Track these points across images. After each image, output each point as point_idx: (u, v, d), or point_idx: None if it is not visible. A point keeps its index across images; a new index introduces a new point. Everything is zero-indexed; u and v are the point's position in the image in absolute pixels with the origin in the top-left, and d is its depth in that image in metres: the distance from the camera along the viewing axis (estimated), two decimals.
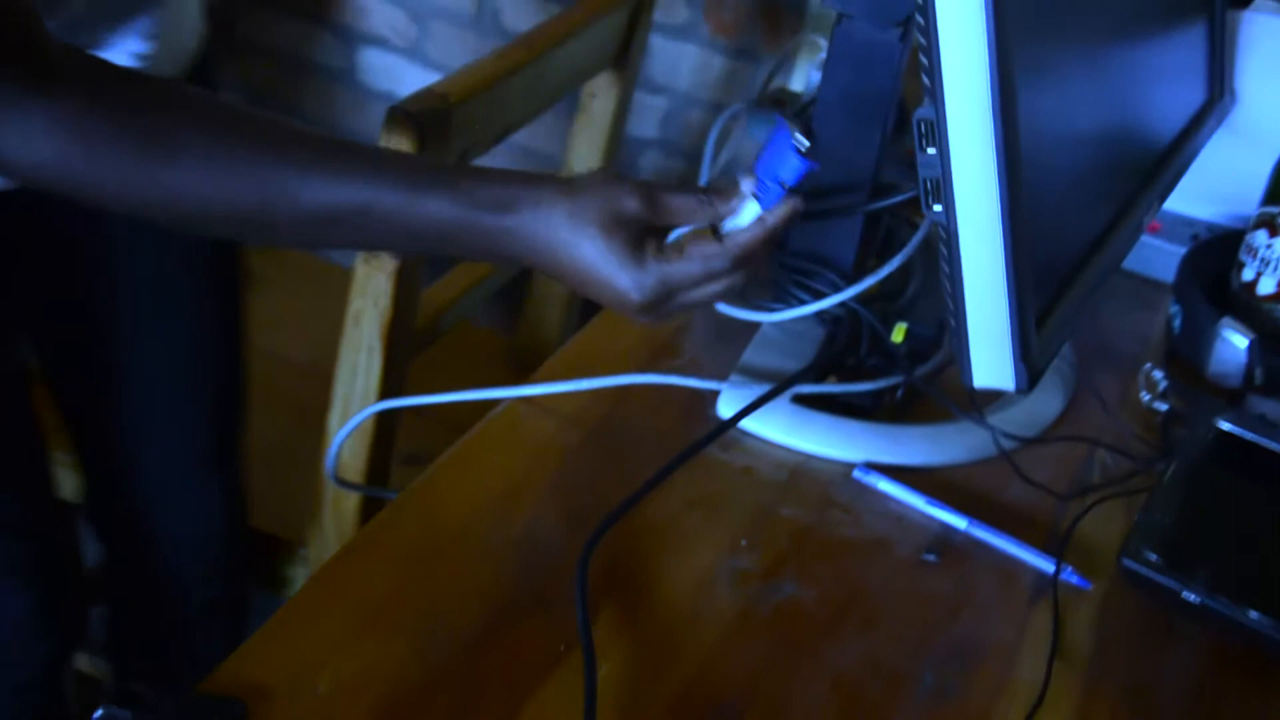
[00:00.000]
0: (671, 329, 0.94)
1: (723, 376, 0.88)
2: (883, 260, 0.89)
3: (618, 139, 1.37)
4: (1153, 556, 0.70)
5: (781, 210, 0.69)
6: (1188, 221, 1.10)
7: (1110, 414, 0.91)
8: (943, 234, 0.63)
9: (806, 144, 0.67)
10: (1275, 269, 0.96)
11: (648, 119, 1.75)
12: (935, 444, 0.86)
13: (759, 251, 0.69)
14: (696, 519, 0.79)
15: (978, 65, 0.58)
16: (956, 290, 0.64)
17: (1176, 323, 0.98)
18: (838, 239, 0.89)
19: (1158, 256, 1.09)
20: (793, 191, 0.68)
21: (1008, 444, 0.85)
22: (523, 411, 0.85)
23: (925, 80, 0.60)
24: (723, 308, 0.92)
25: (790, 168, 0.68)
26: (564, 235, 0.66)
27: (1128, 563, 0.71)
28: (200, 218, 0.64)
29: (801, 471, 0.84)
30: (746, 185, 0.69)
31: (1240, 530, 0.77)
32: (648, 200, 0.67)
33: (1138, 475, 0.85)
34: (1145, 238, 1.09)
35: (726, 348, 0.92)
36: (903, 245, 0.91)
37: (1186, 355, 0.97)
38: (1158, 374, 0.95)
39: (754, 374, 0.88)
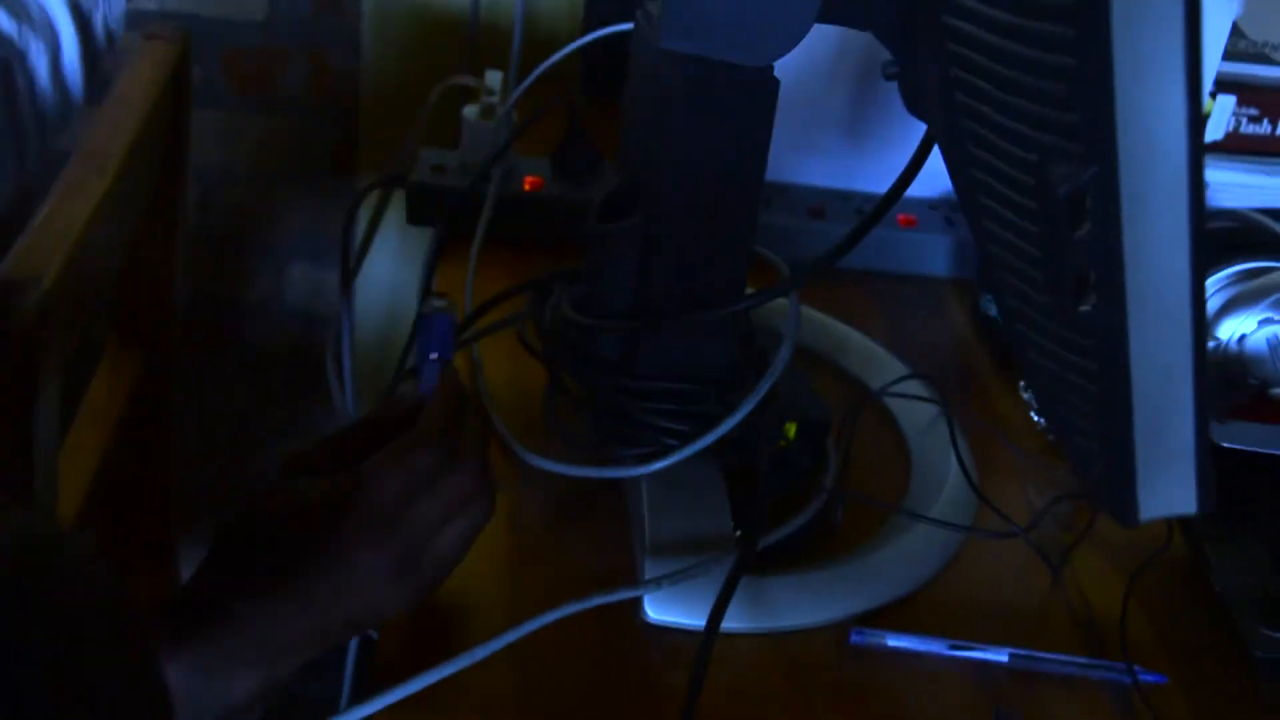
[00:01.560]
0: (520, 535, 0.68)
1: (621, 572, 0.65)
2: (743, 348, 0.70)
3: None
4: (1273, 633, 0.58)
5: (444, 380, 0.59)
6: (930, 204, 1.01)
7: (1023, 455, 0.79)
8: (1087, 335, 0.46)
9: (443, 301, 0.61)
10: None
11: None
12: (905, 565, 0.68)
13: (450, 426, 0.57)
14: None
15: (1171, 101, 0.41)
16: (1117, 405, 0.46)
17: None
18: (707, 347, 0.68)
19: (923, 250, 0.99)
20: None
21: (957, 524, 0.70)
22: None
23: (1071, 137, 0.42)
24: (586, 470, 0.68)
25: (441, 337, 0.60)
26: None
27: (1262, 654, 0.58)
28: None
29: (784, 658, 0.63)
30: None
31: None
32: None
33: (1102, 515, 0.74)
34: (905, 233, 0.99)
35: (597, 523, 0.68)
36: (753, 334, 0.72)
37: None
38: None
39: (669, 552, 0.65)
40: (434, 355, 0.59)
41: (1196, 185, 0.42)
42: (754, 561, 0.63)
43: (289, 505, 0.54)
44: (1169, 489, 0.48)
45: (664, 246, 0.65)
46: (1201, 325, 0.44)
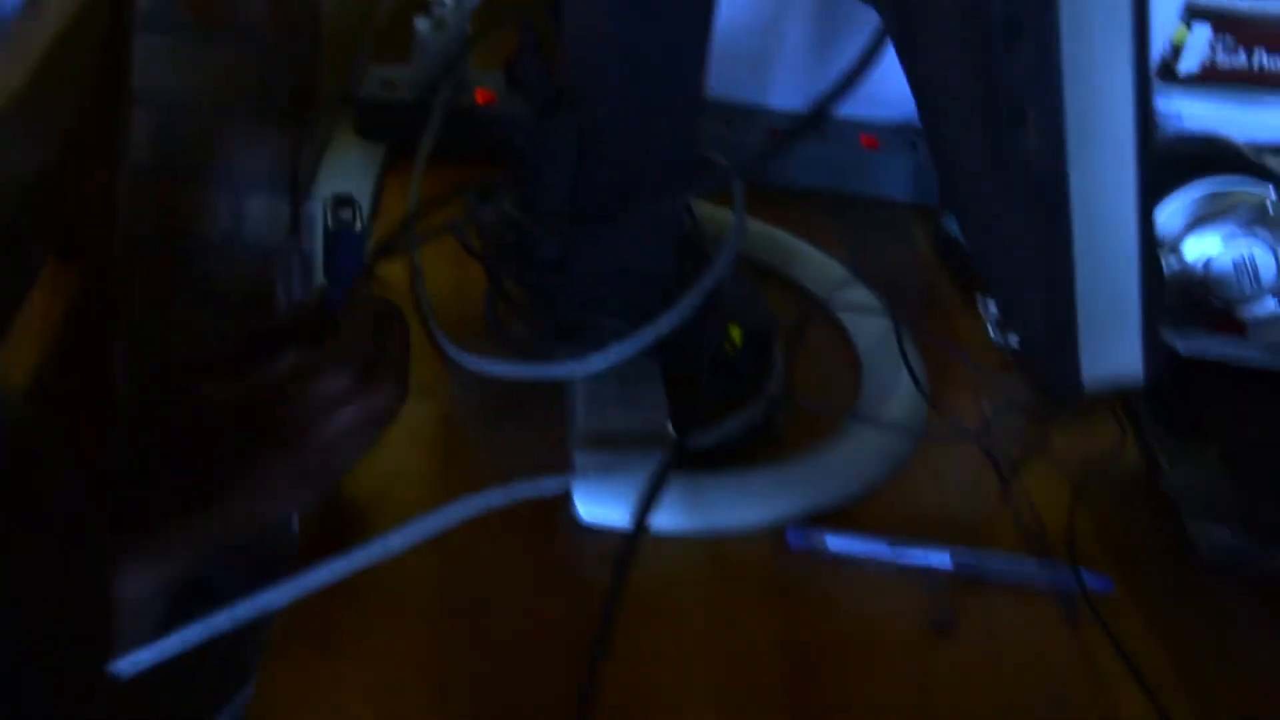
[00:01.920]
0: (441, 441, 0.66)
1: (554, 466, 0.62)
2: (689, 255, 0.68)
3: None
4: (1225, 532, 0.56)
5: (360, 300, 0.58)
6: (894, 127, 0.98)
7: (982, 371, 0.76)
8: (1025, 181, 0.43)
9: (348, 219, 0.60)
10: None
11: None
12: (849, 468, 0.66)
13: (366, 338, 0.56)
14: (646, 673, 0.53)
15: None
16: (1057, 256, 0.44)
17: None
18: (647, 246, 0.66)
19: (884, 171, 0.96)
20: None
21: (911, 435, 0.67)
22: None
23: None
24: (521, 368, 0.66)
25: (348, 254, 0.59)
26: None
27: (1209, 553, 0.55)
28: None
29: (722, 558, 0.61)
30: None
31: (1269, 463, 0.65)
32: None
33: (1056, 426, 0.71)
34: (867, 154, 0.96)
35: (533, 429, 0.66)
36: (696, 227, 0.70)
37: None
38: (992, 304, 0.82)
39: (602, 447, 0.63)
40: (340, 278, 0.59)
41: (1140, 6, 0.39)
42: (691, 462, 0.61)
43: (194, 408, 0.53)
44: (1114, 352, 0.46)
45: (600, 142, 0.62)
46: (1147, 161, 0.42)
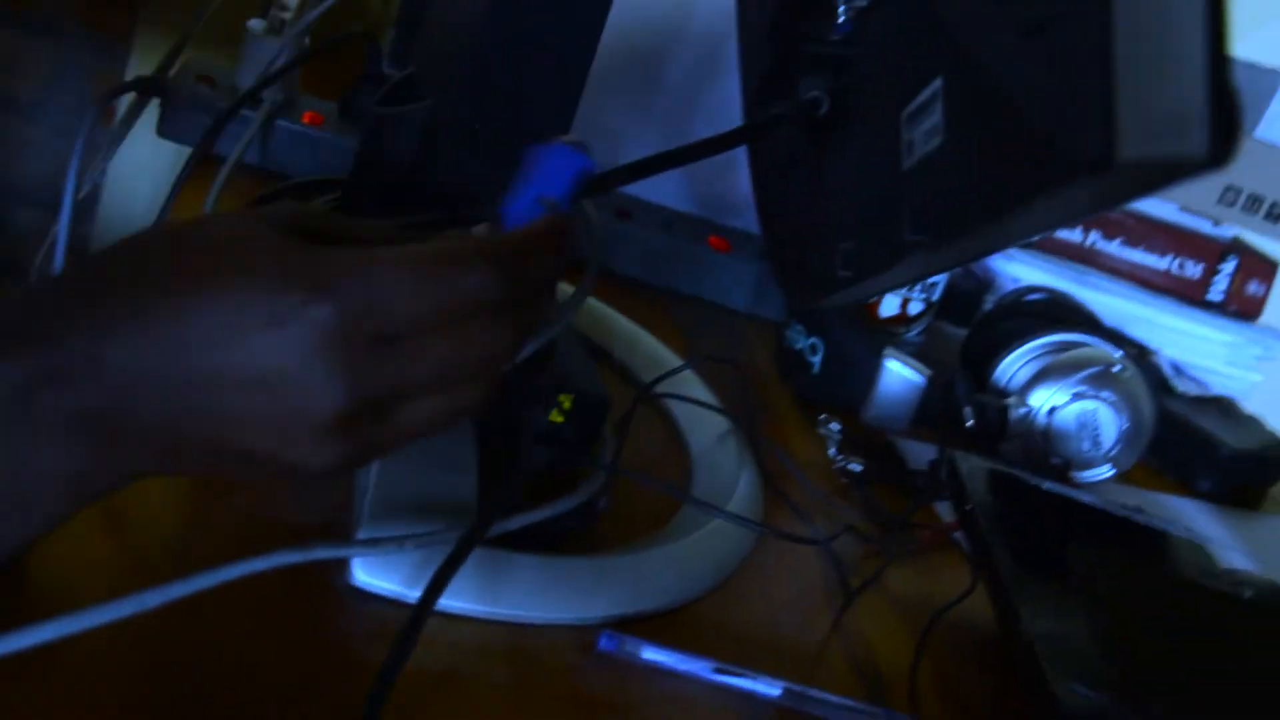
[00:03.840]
0: None
1: (336, 526, 0.52)
2: None
3: None
4: (1091, 690, 0.50)
5: (552, 221, 0.41)
6: (747, 235, 0.94)
7: (819, 494, 0.70)
8: None
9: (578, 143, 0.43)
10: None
11: None
12: (676, 569, 0.57)
13: (524, 266, 0.39)
14: None
15: None
16: None
17: (815, 360, 0.80)
18: None
19: (731, 277, 0.91)
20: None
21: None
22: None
23: None
24: None
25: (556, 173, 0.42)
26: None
27: (1070, 711, 0.49)
28: None
29: (521, 652, 0.51)
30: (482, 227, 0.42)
31: (1140, 616, 0.59)
32: (323, 219, 0.39)
33: (895, 561, 0.65)
34: (716, 256, 0.90)
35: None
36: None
37: (830, 396, 0.79)
38: (835, 426, 0.76)
39: (395, 512, 0.52)
40: (540, 195, 0.42)
41: None
42: (498, 538, 0.51)
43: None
44: (1165, 114, 0.30)
45: (447, 141, 0.54)
46: None
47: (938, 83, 0.39)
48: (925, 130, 0.41)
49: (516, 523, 0.53)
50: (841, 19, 0.50)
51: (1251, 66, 1.02)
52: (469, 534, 0.49)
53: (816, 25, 0.51)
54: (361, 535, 0.50)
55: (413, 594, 0.49)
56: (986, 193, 0.36)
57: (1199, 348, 1.10)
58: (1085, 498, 0.63)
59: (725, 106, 0.89)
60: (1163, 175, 0.31)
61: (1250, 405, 1.09)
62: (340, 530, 0.52)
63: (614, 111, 0.88)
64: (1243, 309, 1.10)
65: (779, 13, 0.52)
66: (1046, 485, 0.62)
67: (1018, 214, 0.35)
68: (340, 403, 0.36)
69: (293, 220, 0.38)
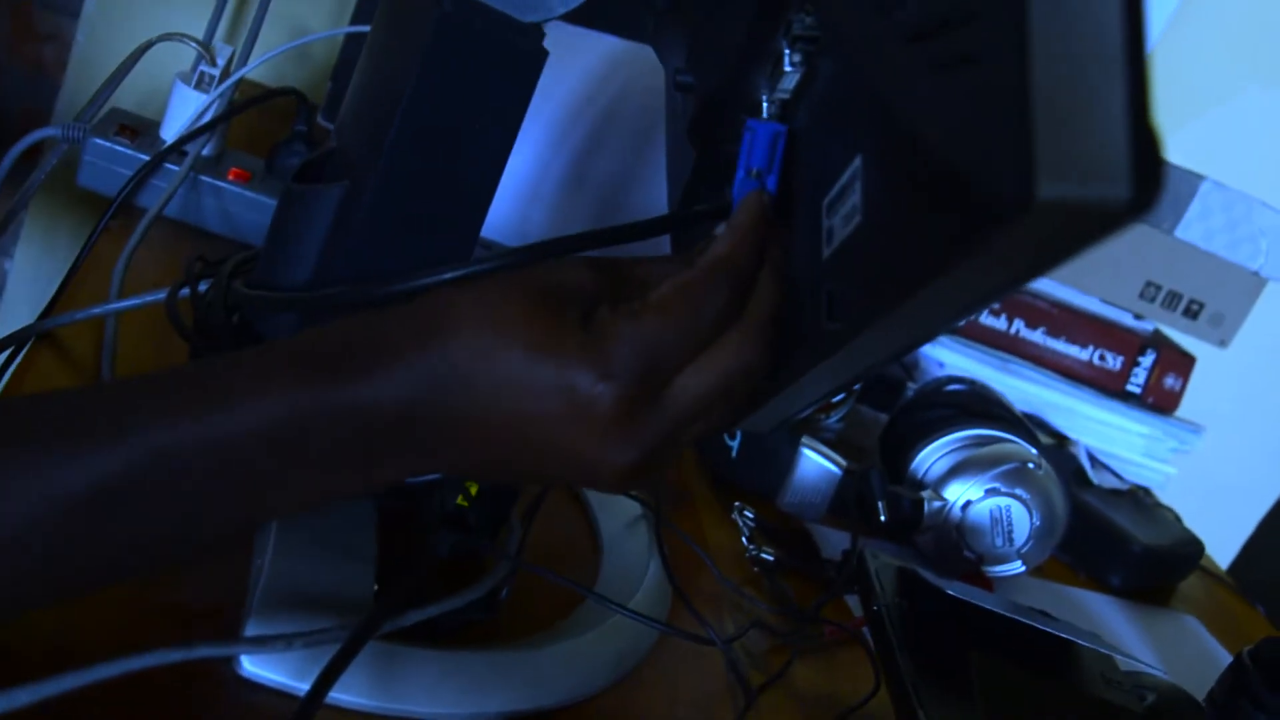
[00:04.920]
0: None
1: (225, 612, 0.50)
2: None
3: None
4: None
5: (747, 200, 0.44)
6: None
7: (731, 585, 0.69)
8: None
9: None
10: None
11: None
12: (577, 665, 0.56)
13: (744, 264, 0.42)
14: None
15: None
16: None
17: (733, 444, 0.79)
18: None
19: None
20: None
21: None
22: None
23: None
24: None
25: (759, 148, 0.46)
26: (471, 352, 0.39)
27: None
28: None
29: None
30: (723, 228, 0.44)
31: None
32: (599, 270, 0.42)
33: (801, 656, 0.64)
34: None
35: (210, 564, 0.53)
36: None
37: (747, 481, 0.79)
38: (749, 514, 0.75)
39: (288, 604, 0.51)
40: (754, 167, 0.46)
41: None
42: (391, 631, 0.50)
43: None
44: (1086, 155, 0.28)
45: (364, 217, 0.53)
46: None
47: (857, 161, 0.39)
48: (844, 215, 0.40)
49: (412, 618, 0.51)
50: (766, 114, 0.50)
51: (1173, 168, 1.04)
52: (359, 632, 0.47)
53: (738, 123, 0.51)
54: (249, 631, 0.49)
55: (302, 686, 0.47)
56: (904, 265, 0.35)
57: (1117, 438, 1.11)
58: (991, 604, 0.62)
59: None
60: (1085, 225, 0.29)
61: (1165, 497, 1.10)
62: (230, 616, 0.51)
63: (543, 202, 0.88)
64: (1160, 402, 1.12)
65: (701, 111, 0.52)
66: (952, 590, 0.61)
67: (935, 285, 0.33)
68: (616, 400, 0.39)
69: (564, 286, 0.40)
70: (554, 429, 0.39)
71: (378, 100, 0.53)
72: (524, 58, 0.50)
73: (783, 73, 0.46)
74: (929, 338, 0.41)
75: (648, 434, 0.39)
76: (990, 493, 0.77)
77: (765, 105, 0.49)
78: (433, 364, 0.38)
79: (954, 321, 0.48)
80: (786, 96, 0.48)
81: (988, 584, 0.79)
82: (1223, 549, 1.50)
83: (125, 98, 0.90)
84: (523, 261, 0.45)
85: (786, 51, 0.45)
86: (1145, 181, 0.28)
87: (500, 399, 0.38)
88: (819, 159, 0.44)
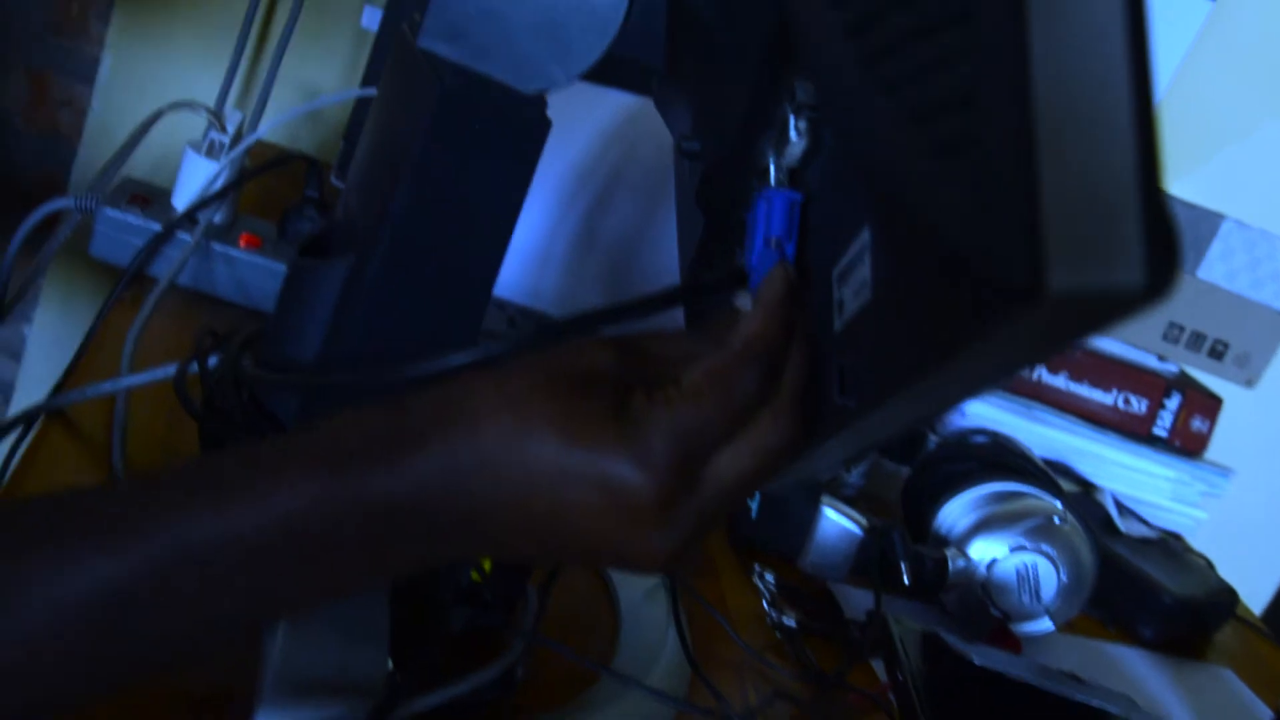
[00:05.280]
0: None
1: (242, 693, 0.49)
2: None
3: None
4: None
5: (773, 275, 0.43)
6: None
7: (752, 651, 0.68)
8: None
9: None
10: None
11: None
12: None
13: (775, 342, 0.41)
14: None
15: None
16: (1006, 78, 0.28)
17: (753, 504, 0.78)
18: None
19: None
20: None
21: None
22: None
23: None
24: None
25: (777, 216, 0.45)
26: (500, 441, 0.38)
27: None
28: None
29: None
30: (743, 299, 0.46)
31: None
32: (624, 352, 0.41)
33: None
34: None
35: None
36: None
37: (767, 542, 0.78)
38: (769, 578, 0.74)
39: (302, 691, 0.50)
40: (773, 235, 0.45)
41: None
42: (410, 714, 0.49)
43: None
44: (1096, 238, 0.27)
45: (370, 292, 0.52)
46: None
47: (865, 234, 0.38)
48: (854, 288, 0.39)
49: (425, 703, 0.50)
50: (773, 182, 0.49)
51: (1192, 207, 1.03)
52: (377, 711, 0.46)
53: (747, 189, 0.50)
54: (261, 718, 0.48)
55: None
56: (914, 347, 0.34)
57: (1145, 483, 1.09)
58: (1018, 671, 0.61)
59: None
60: (1098, 312, 0.28)
61: (1196, 542, 1.08)
62: (241, 701, 0.50)
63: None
64: (1187, 445, 1.10)
65: (709, 178, 0.52)
66: (978, 659, 0.60)
67: (947, 368, 0.32)
68: (652, 486, 0.38)
69: (591, 371, 0.40)
70: (592, 519, 0.38)
71: (382, 173, 0.53)
72: (527, 128, 0.50)
73: (789, 140, 0.46)
74: (944, 411, 0.40)
75: (687, 520, 0.39)
76: (1016, 549, 0.76)
77: (774, 172, 0.49)
78: (458, 454, 0.38)
79: (968, 398, 0.47)
80: (795, 164, 0.47)
81: (1015, 642, 0.77)
82: (1256, 592, 1.47)
83: (139, 163, 0.90)
84: (535, 344, 0.44)
85: (791, 118, 0.45)
86: (1160, 267, 0.27)
87: (535, 490, 0.38)
88: (829, 226, 0.43)
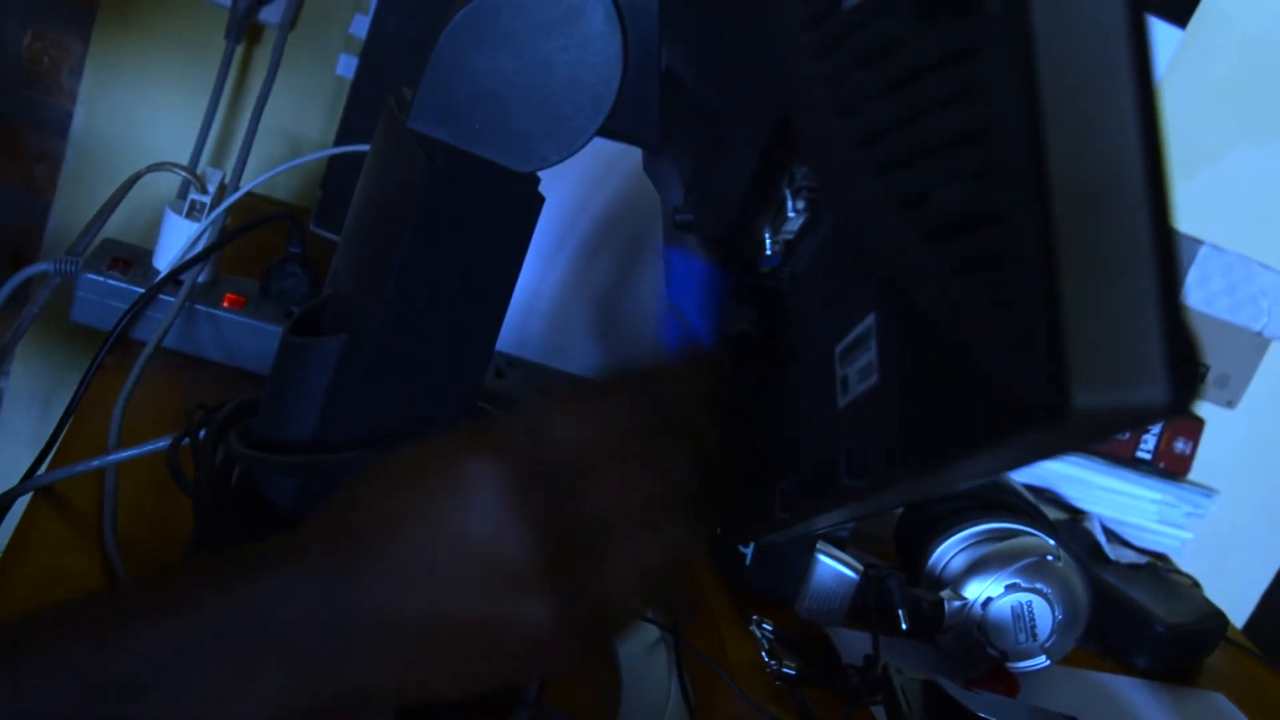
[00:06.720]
0: None
1: None
2: None
3: None
4: None
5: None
6: None
7: (752, 703, 0.68)
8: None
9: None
10: None
11: None
12: None
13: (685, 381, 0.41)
14: None
15: None
16: (1023, 202, 0.28)
17: (748, 552, 0.78)
18: None
19: None
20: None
21: None
22: None
23: None
24: None
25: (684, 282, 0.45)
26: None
27: None
28: None
29: None
30: None
31: None
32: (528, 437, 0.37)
33: None
34: None
35: None
36: None
37: (763, 589, 0.78)
38: (767, 627, 0.74)
39: None
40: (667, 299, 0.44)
41: None
42: None
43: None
44: (1117, 356, 0.27)
45: (365, 373, 0.52)
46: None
47: (870, 319, 0.38)
48: (859, 368, 0.39)
49: None
50: (769, 251, 0.50)
51: None
52: None
53: (743, 257, 0.51)
54: None
55: None
56: (927, 441, 0.34)
57: (1130, 507, 1.10)
58: (1019, 718, 0.61)
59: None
60: (1120, 423, 0.29)
61: (1183, 562, 1.09)
62: None
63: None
64: (1171, 466, 1.11)
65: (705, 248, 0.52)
66: (981, 711, 0.60)
67: (965, 463, 0.32)
68: (530, 545, 0.35)
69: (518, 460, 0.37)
70: (465, 583, 0.35)
71: (373, 251, 0.53)
72: (520, 206, 0.50)
73: (786, 217, 0.46)
74: (947, 491, 0.40)
75: (573, 595, 0.36)
76: (1011, 589, 0.76)
77: (769, 244, 0.49)
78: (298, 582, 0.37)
79: (977, 481, 0.48)
80: (790, 238, 0.47)
81: (1013, 680, 0.77)
82: (1238, 607, 1.48)
83: (117, 223, 0.89)
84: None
85: (790, 199, 0.45)
86: (1183, 382, 0.27)
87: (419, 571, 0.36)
88: (827, 302, 0.44)
